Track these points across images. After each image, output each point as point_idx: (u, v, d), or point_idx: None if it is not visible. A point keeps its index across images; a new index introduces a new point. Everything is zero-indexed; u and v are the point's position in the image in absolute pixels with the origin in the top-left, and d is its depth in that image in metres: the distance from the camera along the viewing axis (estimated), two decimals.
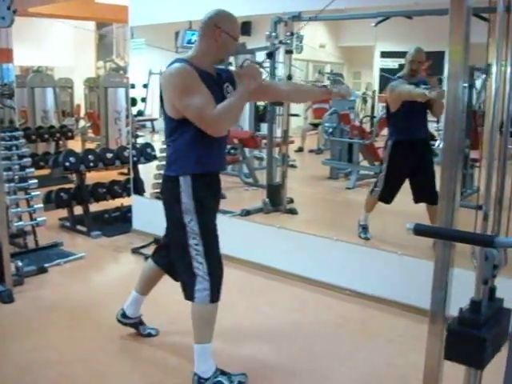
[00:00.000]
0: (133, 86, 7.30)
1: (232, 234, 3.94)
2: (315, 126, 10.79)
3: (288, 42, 5.53)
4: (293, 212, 5.95)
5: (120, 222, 5.64)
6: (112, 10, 8.56)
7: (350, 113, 8.28)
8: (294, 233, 4.45)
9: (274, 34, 5.60)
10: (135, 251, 4.86)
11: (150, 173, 5.98)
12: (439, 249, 1.85)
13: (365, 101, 13.18)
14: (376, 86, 13.18)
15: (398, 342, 3.37)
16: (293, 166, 8.06)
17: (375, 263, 3.97)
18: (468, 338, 1.58)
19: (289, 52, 5.64)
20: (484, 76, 6.65)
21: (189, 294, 2.69)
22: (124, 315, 3.24)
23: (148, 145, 6.02)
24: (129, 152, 5.67)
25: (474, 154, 6.86)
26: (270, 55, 3.13)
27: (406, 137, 4.68)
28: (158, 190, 5.91)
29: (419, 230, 1.59)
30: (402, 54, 12.06)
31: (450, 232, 1.58)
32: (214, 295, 2.68)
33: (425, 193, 4.71)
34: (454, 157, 1.81)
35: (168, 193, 2.72)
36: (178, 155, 2.62)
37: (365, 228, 4.99)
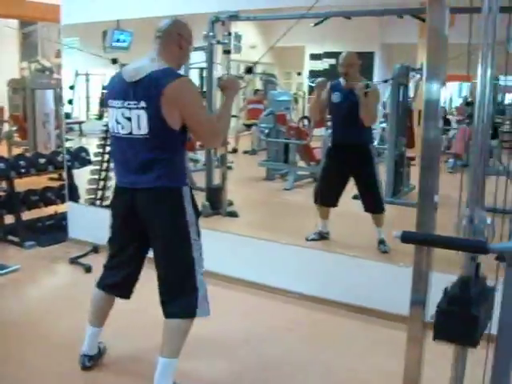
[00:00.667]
0: None
1: None
2: (248, 126, 10.76)
3: (226, 41, 5.45)
4: (234, 215, 5.85)
5: (54, 230, 5.35)
6: (39, 9, 8.19)
7: (286, 113, 8.27)
8: (238, 237, 4.37)
9: (211, 33, 5.51)
10: (73, 261, 4.62)
11: (81, 177, 5.72)
12: (417, 253, 1.80)
13: (296, 101, 13.25)
14: (306, 87, 13.31)
15: (354, 344, 3.35)
16: (229, 168, 7.97)
17: (324, 265, 3.94)
18: (460, 316, 1.56)
19: (226, 52, 5.55)
20: (418, 76, 6.79)
21: (190, 311, 2.60)
22: (90, 358, 2.94)
23: (82, 149, 5.76)
24: (62, 157, 5.41)
25: (409, 153, 7.04)
26: (250, 70, 3.42)
27: (334, 141, 4.77)
28: (93, 196, 5.71)
29: (407, 238, 1.54)
30: (331, 55, 12.30)
31: (439, 239, 1.53)
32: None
33: (365, 202, 4.74)
34: (432, 161, 1.75)
35: (171, 204, 2.58)
36: (177, 166, 2.59)
37: (316, 233, 4.98)
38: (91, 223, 4.95)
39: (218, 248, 4.30)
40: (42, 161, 5.36)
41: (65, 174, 5.40)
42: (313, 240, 4.91)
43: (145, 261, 2.83)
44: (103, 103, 13.44)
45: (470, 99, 10.97)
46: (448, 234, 1.60)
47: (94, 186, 5.70)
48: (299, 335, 3.48)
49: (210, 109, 5.47)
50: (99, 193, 5.65)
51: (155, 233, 2.62)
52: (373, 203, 4.70)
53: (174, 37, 2.61)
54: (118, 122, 2.54)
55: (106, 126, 5.79)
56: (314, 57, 13.17)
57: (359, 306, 3.71)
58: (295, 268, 4.03)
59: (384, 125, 8.46)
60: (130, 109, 2.49)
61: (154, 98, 2.43)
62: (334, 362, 3.13)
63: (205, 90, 6.01)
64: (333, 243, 4.84)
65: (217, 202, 5.85)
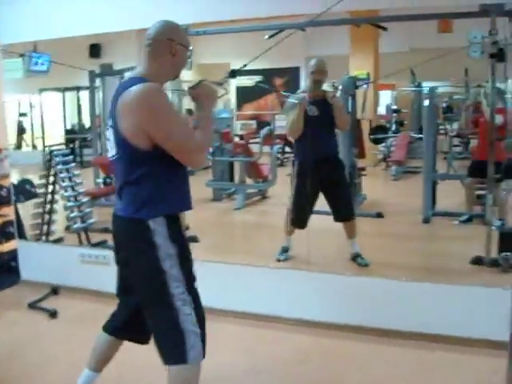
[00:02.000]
0: None
1: None
2: None
3: None
4: (194, 240, 5.50)
5: (3, 272, 4.80)
6: None
7: (230, 131, 8.04)
8: (207, 263, 4.02)
9: None
10: (33, 306, 4.09)
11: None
12: None
13: None
14: (234, 104, 13.17)
15: (373, 368, 3.11)
16: None
17: (316, 287, 3.75)
18: None
19: None
20: (365, 86, 6.76)
21: (179, 357, 2.19)
22: None
23: (27, 181, 5.25)
24: (6, 191, 4.89)
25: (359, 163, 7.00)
26: (234, 74, 3.15)
27: (309, 156, 4.40)
28: (38, 232, 5.20)
29: None
30: (255, 72, 12.17)
31: None
32: (205, 349, 2.26)
33: (337, 210, 4.60)
34: None
35: (135, 238, 2.26)
36: (153, 193, 2.21)
37: (285, 250, 4.75)
38: (46, 262, 4.48)
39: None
40: None
41: (12, 210, 4.86)
42: (285, 260, 4.71)
43: None
44: (21, 131, 12.70)
45: (394, 107, 11.26)
46: None
47: (39, 221, 5.22)
48: (311, 366, 3.21)
49: None
50: (45, 227, 5.17)
51: (130, 275, 2.36)
52: (345, 209, 4.60)
53: (164, 43, 2.24)
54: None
55: (50, 155, 5.33)
56: (240, 73, 13.03)
57: (370, 328, 3.54)
58: (285, 292, 3.80)
59: None
60: (107, 128, 2.29)
61: (113, 113, 2.18)
62: None
63: None
64: (306, 261, 4.62)
65: None
